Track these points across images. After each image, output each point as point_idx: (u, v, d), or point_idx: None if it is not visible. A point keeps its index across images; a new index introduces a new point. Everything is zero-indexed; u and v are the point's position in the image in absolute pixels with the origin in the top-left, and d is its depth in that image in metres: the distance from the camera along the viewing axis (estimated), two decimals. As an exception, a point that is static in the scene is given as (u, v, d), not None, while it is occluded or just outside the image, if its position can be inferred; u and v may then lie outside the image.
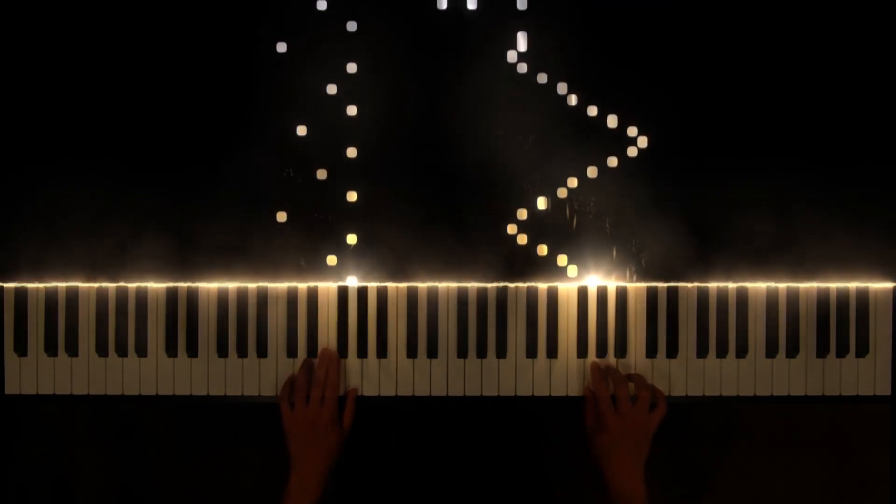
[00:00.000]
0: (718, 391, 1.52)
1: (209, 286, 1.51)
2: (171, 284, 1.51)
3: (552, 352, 1.51)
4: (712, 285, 1.52)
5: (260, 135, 1.49)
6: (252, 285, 1.51)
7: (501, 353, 1.51)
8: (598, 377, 1.48)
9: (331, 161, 1.49)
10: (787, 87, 1.51)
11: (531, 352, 1.51)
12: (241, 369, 1.51)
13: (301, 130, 1.49)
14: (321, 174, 1.49)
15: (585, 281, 1.51)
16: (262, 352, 1.51)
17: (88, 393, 1.51)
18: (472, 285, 1.51)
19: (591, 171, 1.50)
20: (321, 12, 1.49)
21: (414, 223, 1.50)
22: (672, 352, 1.51)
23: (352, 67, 1.49)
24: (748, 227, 1.51)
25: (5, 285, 1.51)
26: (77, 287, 1.50)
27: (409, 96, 1.50)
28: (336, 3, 1.49)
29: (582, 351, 1.51)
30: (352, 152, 1.50)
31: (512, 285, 1.51)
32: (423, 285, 1.51)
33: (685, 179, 1.51)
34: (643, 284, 1.51)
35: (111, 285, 1.51)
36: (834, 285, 1.52)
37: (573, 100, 1.50)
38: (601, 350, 1.51)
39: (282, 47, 1.49)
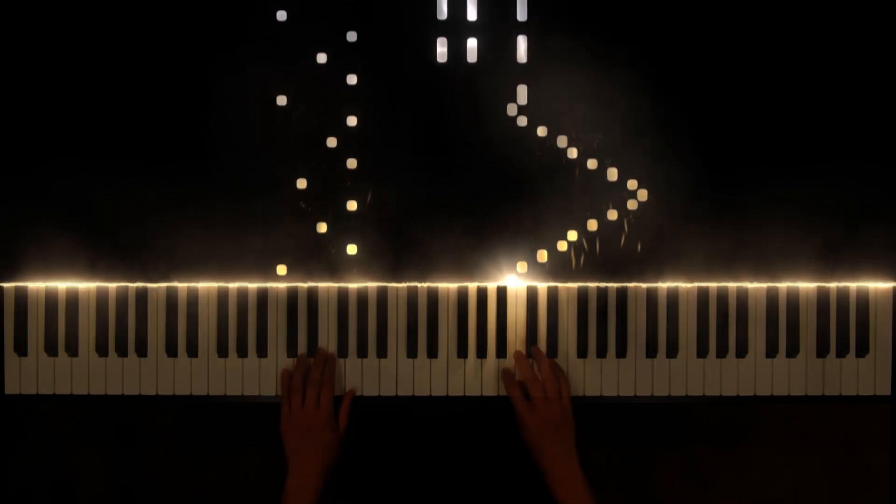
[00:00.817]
0: (718, 391, 1.52)
1: (209, 286, 1.51)
2: (171, 284, 1.51)
3: (552, 352, 1.51)
4: (712, 285, 1.52)
5: (259, 184, 1.50)
6: (252, 285, 1.51)
7: (501, 353, 1.51)
8: (508, 380, 1.48)
9: (332, 214, 1.50)
10: (786, 92, 1.51)
11: (531, 352, 1.51)
12: (241, 369, 1.51)
13: (301, 183, 1.50)
14: (321, 227, 1.50)
15: (585, 283, 1.52)
16: (262, 352, 1.51)
17: (88, 393, 1.51)
18: (472, 285, 1.51)
19: (592, 224, 1.51)
20: (321, 65, 1.50)
21: (413, 276, 1.51)
22: (672, 352, 1.51)
23: (352, 121, 1.49)
24: (748, 227, 1.51)
25: (5, 285, 1.51)
26: (77, 287, 1.50)
27: (408, 149, 1.50)
28: (336, 57, 1.50)
29: (582, 351, 1.51)
30: (352, 205, 1.50)
31: (511, 285, 1.51)
32: (423, 285, 1.52)
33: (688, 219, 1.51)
34: (643, 285, 1.51)
35: (111, 285, 1.51)
36: (834, 285, 1.52)
37: (573, 153, 1.50)
38: (601, 350, 1.51)
39: (282, 100, 1.49)
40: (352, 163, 1.49)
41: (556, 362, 1.49)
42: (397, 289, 1.52)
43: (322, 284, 1.51)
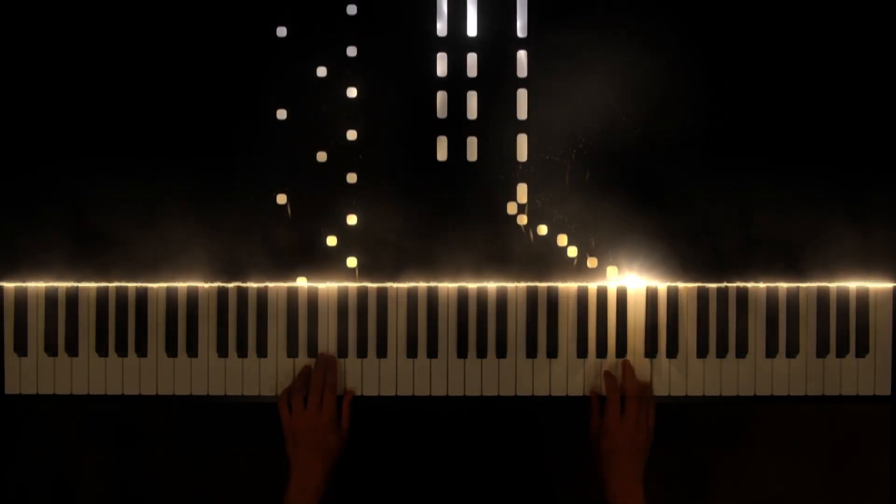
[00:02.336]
0: (718, 391, 1.52)
1: (209, 286, 1.51)
2: (171, 284, 1.51)
3: (552, 352, 1.51)
4: (712, 285, 1.52)
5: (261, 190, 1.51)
6: (252, 285, 1.51)
7: (501, 353, 1.51)
8: (611, 384, 1.48)
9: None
10: (786, 91, 1.51)
11: (531, 352, 1.51)
12: (241, 369, 1.51)
13: (301, 279, 1.50)
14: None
15: (585, 283, 1.52)
16: (262, 352, 1.51)
17: (88, 393, 1.51)
18: (473, 285, 1.51)
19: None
20: (321, 164, 1.50)
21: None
22: (672, 352, 1.51)
23: (352, 219, 1.50)
24: (748, 226, 1.51)
25: (5, 285, 1.51)
26: (77, 287, 1.50)
27: (408, 248, 1.51)
28: (336, 156, 1.50)
29: (582, 351, 1.51)
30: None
31: (511, 285, 1.51)
32: (423, 285, 1.52)
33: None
34: (643, 285, 1.51)
35: (111, 285, 1.51)
36: (834, 285, 1.52)
37: (573, 251, 1.51)
38: (601, 350, 1.51)
39: (282, 199, 1.50)
40: (352, 261, 1.50)
41: (649, 386, 1.50)
42: (397, 289, 1.52)
43: (322, 284, 1.51)
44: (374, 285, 1.51)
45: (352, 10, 1.49)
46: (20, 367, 1.51)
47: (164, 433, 1.89)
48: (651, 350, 1.51)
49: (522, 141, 1.50)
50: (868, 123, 1.51)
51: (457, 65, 1.50)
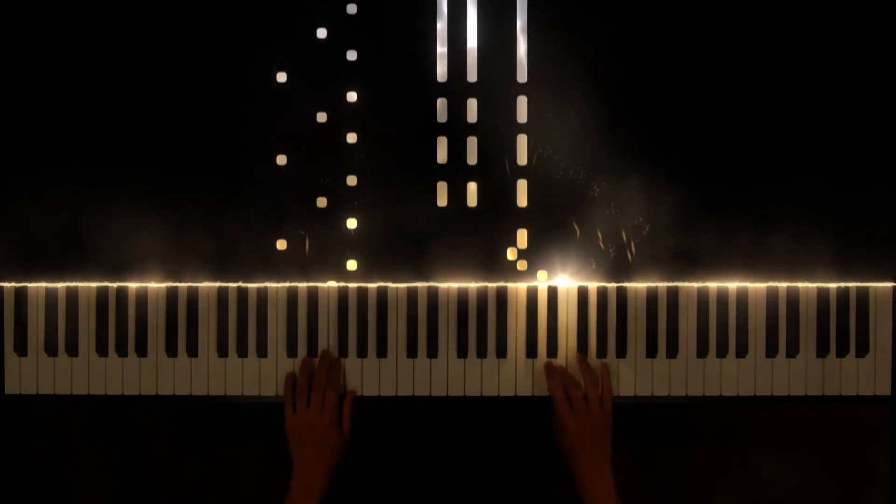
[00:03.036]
0: (718, 391, 1.52)
1: (209, 286, 1.51)
2: (171, 284, 1.51)
3: (552, 352, 1.51)
4: (712, 285, 1.52)
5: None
6: (252, 285, 1.51)
7: (501, 353, 1.51)
8: (553, 381, 1.48)
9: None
10: (786, 92, 1.51)
11: (531, 352, 1.51)
12: (241, 369, 1.51)
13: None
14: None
15: (585, 282, 1.52)
16: (262, 352, 1.51)
17: (88, 393, 1.51)
18: (473, 285, 1.51)
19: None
20: (321, 209, 1.50)
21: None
22: (672, 352, 1.51)
23: (352, 265, 1.50)
24: (748, 226, 1.51)
25: (5, 285, 1.51)
26: (77, 287, 1.50)
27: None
28: (336, 200, 1.50)
29: (582, 351, 1.51)
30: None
31: (512, 285, 1.51)
32: (423, 285, 1.52)
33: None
34: (643, 285, 1.51)
35: (111, 285, 1.51)
36: (834, 285, 1.52)
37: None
38: (601, 350, 1.51)
39: (281, 244, 1.50)
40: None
41: (604, 366, 1.50)
42: (397, 289, 1.52)
43: (322, 284, 1.51)
44: (374, 285, 1.51)
45: (351, 55, 1.49)
46: (20, 367, 1.51)
47: (164, 433, 1.89)
48: (651, 350, 1.51)
49: (522, 186, 1.51)
50: (868, 122, 1.51)
51: (457, 110, 1.50)
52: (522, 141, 1.50)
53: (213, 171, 1.50)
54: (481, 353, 1.52)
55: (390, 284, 1.51)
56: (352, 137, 1.49)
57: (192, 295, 1.51)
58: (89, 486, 1.89)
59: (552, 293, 1.51)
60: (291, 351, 1.51)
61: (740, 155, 1.51)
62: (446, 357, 1.52)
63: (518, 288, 1.51)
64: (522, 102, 1.50)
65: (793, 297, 1.52)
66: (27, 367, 1.51)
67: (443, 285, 1.51)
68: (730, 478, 1.91)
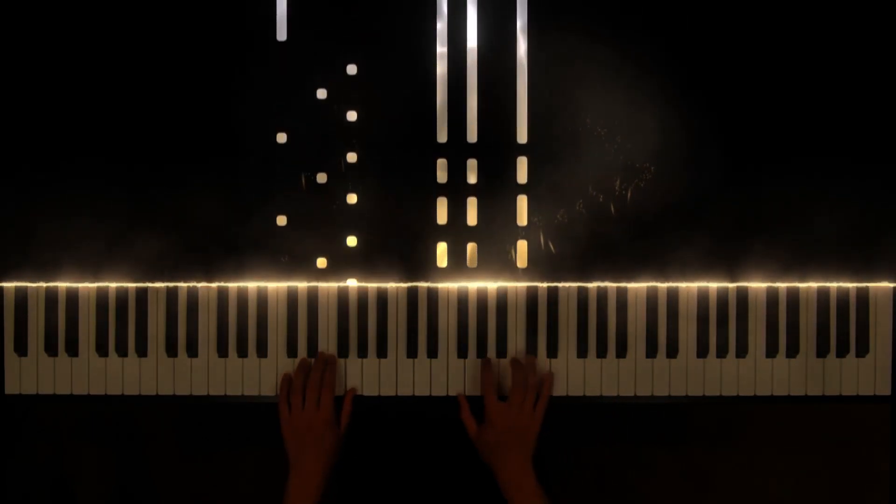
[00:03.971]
0: (718, 391, 1.52)
1: (209, 286, 1.51)
2: (171, 284, 1.51)
3: (552, 351, 1.51)
4: (712, 285, 1.52)
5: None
6: (252, 285, 1.51)
7: (501, 352, 1.51)
8: (487, 373, 1.48)
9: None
10: (786, 90, 1.51)
11: (531, 351, 1.51)
12: (241, 369, 1.51)
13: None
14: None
15: (585, 282, 1.52)
16: (262, 352, 1.51)
17: (88, 393, 1.51)
18: (473, 285, 1.52)
19: None
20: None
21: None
22: (672, 352, 1.51)
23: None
24: (748, 226, 1.51)
25: (5, 285, 1.51)
26: (77, 287, 1.50)
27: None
28: (335, 261, 1.51)
29: (582, 351, 1.51)
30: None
31: (511, 285, 1.51)
32: (423, 285, 1.52)
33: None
34: (643, 284, 1.51)
35: (111, 285, 1.51)
36: (834, 285, 1.52)
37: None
38: (601, 350, 1.51)
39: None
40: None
41: (550, 374, 1.49)
42: (397, 289, 1.52)
43: (322, 284, 1.51)
44: (374, 285, 1.51)
45: (351, 116, 1.50)
46: (20, 367, 1.51)
47: (164, 433, 1.89)
48: (651, 350, 1.51)
49: (522, 247, 1.51)
50: (868, 122, 1.51)
51: (457, 171, 1.50)
52: (522, 202, 1.51)
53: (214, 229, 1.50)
54: (481, 353, 1.52)
55: (390, 284, 1.51)
56: (352, 198, 1.50)
57: (192, 295, 1.51)
58: (89, 486, 1.89)
59: (552, 293, 1.51)
60: (291, 351, 1.51)
61: (740, 155, 1.51)
62: (446, 357, 1.52)
63: (518, 288, 1.51)
64: (523, 164, 1.51)
65: (793, 297, 1.52)
66: (27, 367, 1.51)
67: (443, 285, 1.51)
68: (730, 478, 1.91)
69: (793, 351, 1.52)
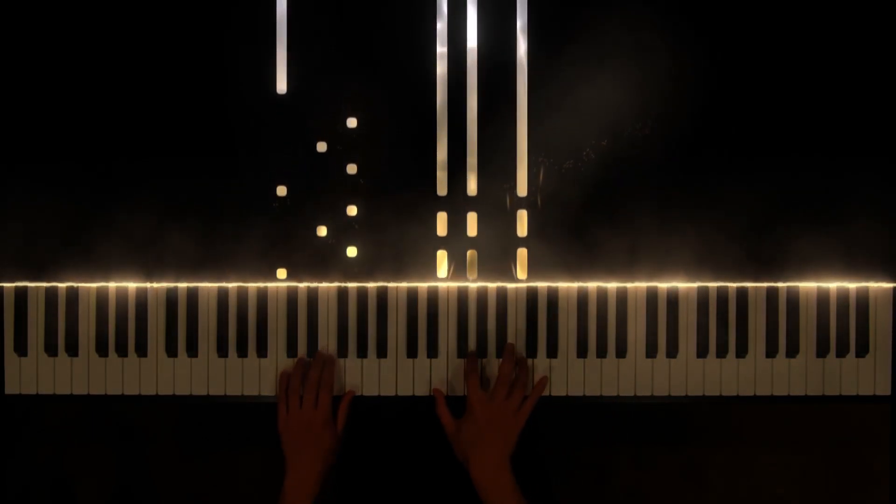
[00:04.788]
0: (718, 391, 1.52)
1: (209, 286, 1.51)
2: (171, 284, 1.51)
3: (552, 351, 1.51)
4: (712, 285, 1.52)
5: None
6: (252, 285, 1.51)
7: (501, 353, 1.51)
8: (471, 363, 1.48)
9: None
10: (787, 88, 1.51)
11: (531, 352, 1.51)
12: (241, 369, 1.51)
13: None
14: None
15: (585, 282, 1.52)
16: (262, 352, 1.51)
17: (88, 393, 1.51)
18: (473, 285, 1.52)
19: None
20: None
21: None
22: (672, 352, 1.51)
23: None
24: (748, 226, 1.51)
25: (5, 285, 1.51)
26: (77, 287, 1.50)
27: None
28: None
29: (582, 351, 1.51)
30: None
31: (511, 286, 1.51)
32: (423, 285, 1.52)
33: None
34: (643, 284, 1.51)
35: (111, 285, 1.51)
36: (834, 285, 1.52)
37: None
38: (601, 350, 1.51)
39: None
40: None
41: (544, 378, 1.49)
42: (397, 289, 1.52)
43: (322, 284, 1.51)
44: (374, 285, 1.51)
45: (351, 169, 1.50)
46: (20, 367, 1.51)
47: (164, 433, 1.89)
48: (651, 350, 1.51)
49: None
50: (868, 122, 1.51)
51: (457, 220, 1.51)
52: (522, 254, 1.51)
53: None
54: (481, 353, 1.52)
55: (390, 284, 1.51)
56: (352, 251, 1.50)
57: (192, 295, 1.51)
58: (89, 486, 1.89)
59: (552, 294, 1.51)
60: (291, 351, 1.51)
61: (739, 154, 1.51)
62: (446, 357, 1.52)
63: (518, 289, 1.51)
64: (523, 217, 1.51)
65: (793, 297, 1.52)
66: (27, 367, 1.51)
67: (443, 285, 1.51)
68: (730, 478, 1.91)
69: (793, 351, 1.52)
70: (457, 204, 1.50)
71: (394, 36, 1.50)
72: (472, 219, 1.50)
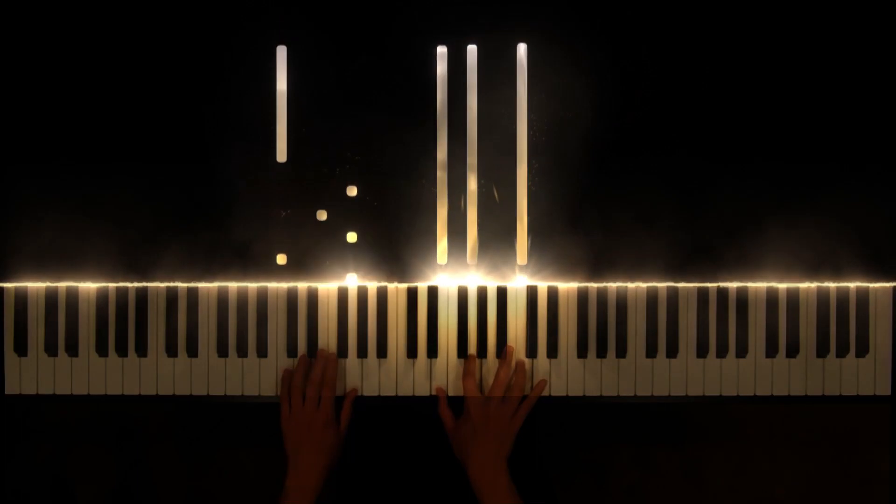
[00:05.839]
0: (718, 391, 1.52)
1: (209, 286, 1.51)
2: (171, 284, 1.51)
3: (552, 351, 1.51)
4: (712, 285, 1.52)
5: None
6: (252, 285, 1.51)
7: (501, 353, 1.51)
8: (470, 365, 1.48)
9: None
10: (784, 90, 1.51)
11: (531, 352, 1.51)
12: (241, 369, 1.51)
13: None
14: None
15: (586, 283, 1.52)
16: (262, 352, 1.51)
17: (88, 393, 1.51)
18: (473, 285, 1.52)
19: None
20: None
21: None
22: (672, 352, 1.51)
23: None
24: (749, 226, 1.51)
25: (5, 285, 1.51)
26: (77, 287, 1.50)
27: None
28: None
29: (582, 351, 1.51)
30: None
31: (511, 286, 1.52)
32: (423, 285, 1.52)
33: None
34: (643, 284, 1.51)
35: (111, 285, 1.51)
36: (834, 285, 1.52)
37: None
38: (601, 350, 1.51)
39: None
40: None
41: (542, 381, 1.50)
42: (397, 289, 1.52)
43: (322, 285, 1.51)
44: (374, 285, 1.52)
45: (351, 237, 1.50)
46: (20, 367, 1.51)
47: (164, 433, 1.89)
48: (651, 350, 1.51)
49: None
50: (867, 122, 1.51)
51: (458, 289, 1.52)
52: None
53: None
54: (481, 353, 1.52)
55: (390, 284, 1.51)
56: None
57: (192, 295, 1.51)
58: (89, 486, 1.89)
59: (552, 293, 1.51)
60: (291, 351, 1.51)
61: (739, 154, 1.51)
62: (446, 357, 1.52)
63: (519, 288, 1.51)
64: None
65: (793, 297, 1.52)
66: (27, 367, 1.51)
67: (443, 285, 1.51)
68: (730, 478, 1.91)
69: (793, 351, 1.52)
70: (457, 272, 1.51)
71: (392, 108, 1.50)
72: (472, 281, 1.51)
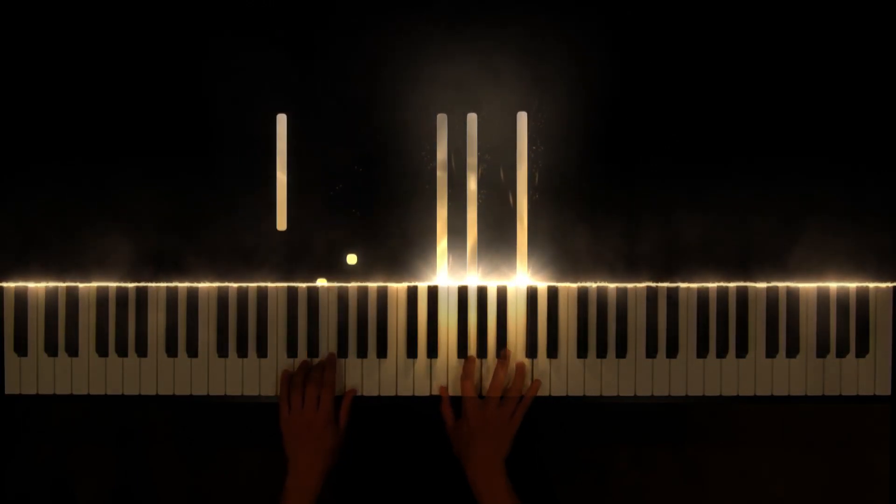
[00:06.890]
0: (718, 391, 1.52)
1: (209, 286, 1.51)
2: (171, 284, 1.51)
3: (552, 351, 1.51)
4: (712, 285, 1.52)
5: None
6: (252, 285, 1.51)
7: (501, 353, 1.51)
8: (469, 367, 1.48)
9: None
10: (783, 89, 1.51)
11: (531, 352, 1.51)
12: (241, 369, 1.51)
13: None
14: None
15: (585, 282, 1.52)
16: (262, 352, 1.51)
17: (88, 393, 1.51)
18: (473, 285, 1.52)
19: None
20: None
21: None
22: (672, 352, 1.51)
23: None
24: (749, 226, 1.51)
25: (5, 285, 1.51)
26: (77, 287, 1.50)
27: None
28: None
29: (582, 351, 1.51)
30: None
31: (511, 285, 1.51)
32: (422, 285, 1.52)
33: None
34: (643, 284, 1.51)
35: (111, 285, 1.51)
36: (834, 285, 1.52)
37: None
38: (601, 350, 1.51)
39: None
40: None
41: (536, 381, 1.50)
42: (397, 289, 1.52)
43: (322, 285, 1.51)
44: (374, 285, 1.51)
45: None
46: (20, 367, 1.51)
47: (164, 433, 1.89)
48: (651, 350, 1.51)
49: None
50: (867, 121, 1.51)
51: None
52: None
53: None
54: (481, 353, 1.52)
55: (390, 284, 1.51)
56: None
57: (192, 295, 1.51)
58: (89, 486, 1.89)
59: (552, 293, 1.51)
60: (291, 351, 1.51)
61: (738, 154, 1.51)
62: (446, 357, 1.52)
63: (518, 289, 1.51)
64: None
65: (793, 297, 1.52)
66: (27, 367, 1.51)
67: (442, 285, 1.51)
68: (729, 478, 1.91)
69: (793, 351, 1.52)
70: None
71: (391, 177, 1.51)
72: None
